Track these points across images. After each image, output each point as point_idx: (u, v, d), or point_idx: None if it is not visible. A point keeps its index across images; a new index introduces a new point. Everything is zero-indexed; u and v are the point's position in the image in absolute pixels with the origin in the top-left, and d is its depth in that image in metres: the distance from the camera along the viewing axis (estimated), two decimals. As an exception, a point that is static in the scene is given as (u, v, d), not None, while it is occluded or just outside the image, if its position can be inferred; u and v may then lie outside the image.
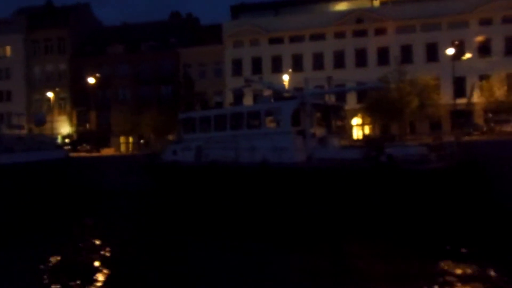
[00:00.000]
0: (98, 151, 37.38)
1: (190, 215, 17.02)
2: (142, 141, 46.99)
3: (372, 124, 42.91)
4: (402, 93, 33.01)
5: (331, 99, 20.56)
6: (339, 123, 18.13)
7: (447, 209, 11.68)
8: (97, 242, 13.88)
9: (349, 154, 14.17)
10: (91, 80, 44.21)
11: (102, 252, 12.68)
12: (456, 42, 39.40)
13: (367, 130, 44.67)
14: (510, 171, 12.78)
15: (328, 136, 16.78)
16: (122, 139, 50.43)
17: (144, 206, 19.96)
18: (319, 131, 16.80)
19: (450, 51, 34.09)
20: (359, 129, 44.88)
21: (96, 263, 11.25)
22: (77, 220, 17.35)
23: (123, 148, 50.00)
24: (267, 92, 19.09)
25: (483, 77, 40.25)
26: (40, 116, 35.78)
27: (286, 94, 18.12)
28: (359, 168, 13.13)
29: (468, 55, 40.51)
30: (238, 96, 41.28)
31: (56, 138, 34.66)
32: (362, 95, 40.02)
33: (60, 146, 29.23)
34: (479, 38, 42.15)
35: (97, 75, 47.96)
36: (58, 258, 11.99)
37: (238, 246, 12.37)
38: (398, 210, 12.40)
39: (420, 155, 12.64)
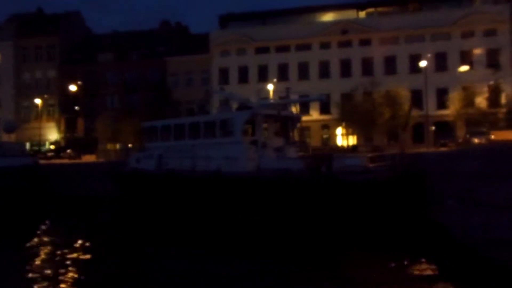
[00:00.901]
0: (79, 158, 37.53)
1: (147, 222, 17.15)
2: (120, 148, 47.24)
3: (356, 134, 43.16)
4: (374, 104, 33.37)
5: (297, 109, 20.72)
6: (297, 133, 18.36)
7: (381, 219, 11.82)
8: (48, 248, 13.96)
9: (297, 164, 14.35)
10: (73, 88, 44.60)
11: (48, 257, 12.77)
12: (429, 55, 40.11)
13: (351, 140, 44.93)
14: (437, 183, 12.87)
15: (285, 146, 16.97)
16: (110, 146, 50.64)
17: (105, 212, 20.14)
18: (276, 141, 17.04)
19: (423, 63, 34.70)
20: (343, 139, 45.13)
21: (46, 270, 11.32)
22: (36, 225, 17.43)
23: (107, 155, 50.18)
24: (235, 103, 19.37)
25: (466, 89, 40.57)
26: (10, 123, 35.86)
27: (244, 104, 18.34)
28: (300, 178, 13.34)
29: (465, 67, 40.79)
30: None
31: (24, 145, 34.67)
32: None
33: (28, 154, 29.34)
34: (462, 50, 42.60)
35: (79, 82, 48.53)
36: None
37: (187, 254, 12.50)
38: (334, 219, 12.58)
39: (360, 166, 12.83)
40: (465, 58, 42.23)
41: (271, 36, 47.27)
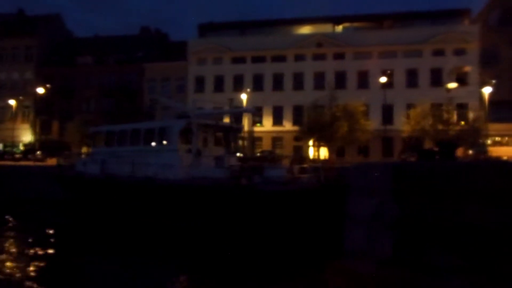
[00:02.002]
0: (44, 160, 37.34)
1: (87, 226, 17.29)
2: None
3: (328, 146, 43.55)
4: (333, 117, 33.90)
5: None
6: (238, 144, 18.67)
7: (290, 230, 12.02)
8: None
9: (223, 173, 14.56)
10: (40, 90, 44.68)
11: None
12: (388, 71, 40.79)
13: (323, 152, 45.28)
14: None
15: (225, 155, 17.17)
16: (84, 149, 50.38)
17: (51, 215, 20.23)
18: (216, 150, 17.28)
19: (383, 79, 35.55)
20: (315, 150, 45.43)
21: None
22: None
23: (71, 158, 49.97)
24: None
25: (434, 106, 41.15)
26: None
27: (183, 113, 18.54)
28: (220, 187, 13.57)
29: (453, 85, 41.47)
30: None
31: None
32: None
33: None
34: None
35: (48, 85, 48.66)
36: None
37: (115, 259, 12.74)
38: (247, 228, 12.79)
39: (281, 177, 13.07)
40: (435, 75, 43.03)
41: (248, 47, 47.74)
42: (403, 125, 38.93)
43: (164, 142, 16.73)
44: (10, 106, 51.92)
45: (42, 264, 11.98)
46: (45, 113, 52.27)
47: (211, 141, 17.73)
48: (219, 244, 13.15)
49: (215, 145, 17.61)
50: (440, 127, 33.05)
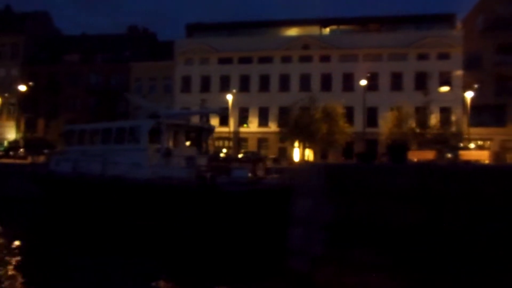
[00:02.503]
0: (26, 158, 37.07)
1: (57, 225, 17.33)
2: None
3: (312, 148, 43.70)
4: (312, 119, 34.08)
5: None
6: (210, 144, 18.75)
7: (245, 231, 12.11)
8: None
9: (189, 173, 14.63)
10: (22, 88, 44.54)
11: None
12: (368, 75, 41.19)
13: (308, 153, 45.42)
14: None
15: (196, 155, 17.26)
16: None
17: (23, 213, 20.21)
18: (187, 150, 17.38)
19: (363, 82, 35.76)
20: (300, 152, 45.57)
21: None
22: None
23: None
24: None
25: (419, 109, 41.43)
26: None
27: (154, 113, 18.58)
28: (182, 187, 13.65)
29: (445, 88, 41.68)
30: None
31: None
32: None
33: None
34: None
35: (30, 83, 48.36)
36: None
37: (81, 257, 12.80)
38: (211, 228, 12.88)
39: (244, 177, 13.17)
40: (419, 79, 43.35)
41: (235, 47, 47.82)
42: (381, 128, 39.08)
43: (133, 141, 16.77)
44: (-5, 103, 51.60)
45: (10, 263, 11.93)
46: (30, 110, 51.99)
47: (183, 141, 17.82)
48: (180, 244, 13.22)
49: (186, 145, 17.68)
50: (418, 130, 33.32)
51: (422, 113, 35.65)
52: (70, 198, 17.94)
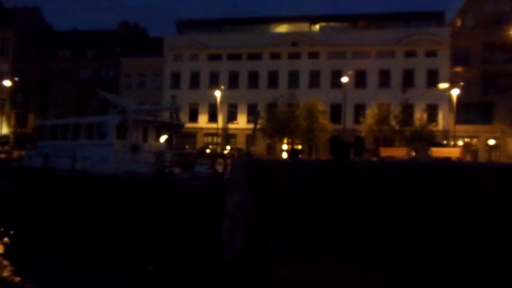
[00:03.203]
0: (11, 154, 37.22)
1: (28, 219, 17.47)
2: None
3: (300, 145, 43.87)
4: (290, 116, 34.29)
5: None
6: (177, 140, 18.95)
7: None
8: None
9: (151, 168, 14.81)
10: (7, 83, 44.69)
11: None
12: (350, 72, 41.51)
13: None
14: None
15: (165, 151, 17.41)
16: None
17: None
18: (156, 146, 17.55)
19: (345, 79, 36.09)
20: (288, 147, 45.72)
21: None
22: None
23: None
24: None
25: (407, 106, 41.47)
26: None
27: (123, 109, 18.68)
28: (142, 181, 13.86)
29: (444, 85, 41.75)
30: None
31: None
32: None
33: None
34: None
35: (16, 78, 48.51)
36: None
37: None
38: (168, 222, 13.08)
39: (203, 172, 13.40)
40: (407, 76, 43.48)
41: (224, 44, 47.90)
42: (362, 125, 39.12)
43: (101, 136, 16.92)
44: (-16, 98, 51.69)
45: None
46: (21, 106, 52.13)
47: (152, 137, 17.97)
48: (139, 237, 13.41)
49: (156, 140, 17.86)
50: (397, 127, 33.51)
51: (404, 111, 35.80)
52: (40, 192, 18.17)
